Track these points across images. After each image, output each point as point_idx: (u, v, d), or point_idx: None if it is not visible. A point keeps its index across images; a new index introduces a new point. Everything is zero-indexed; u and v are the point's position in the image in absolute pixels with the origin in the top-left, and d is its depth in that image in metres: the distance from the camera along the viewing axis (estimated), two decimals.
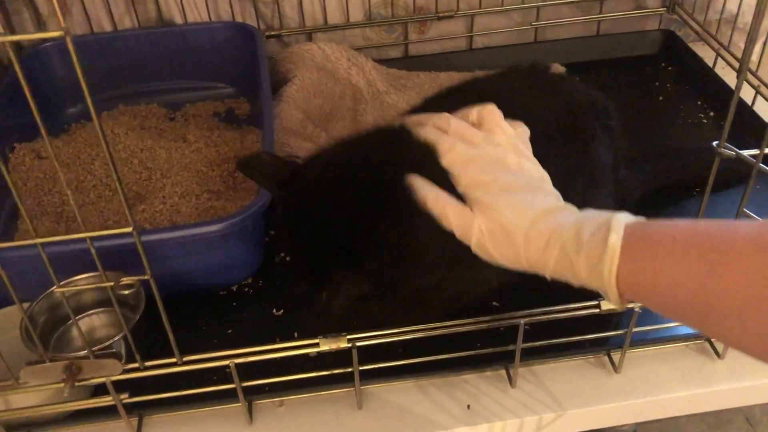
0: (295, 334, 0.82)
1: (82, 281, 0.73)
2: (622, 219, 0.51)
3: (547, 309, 0.72)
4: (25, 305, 0.73)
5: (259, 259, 0.91)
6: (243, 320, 0.86)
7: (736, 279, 0.42)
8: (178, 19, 1.22)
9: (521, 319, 0.72)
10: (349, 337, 0.70)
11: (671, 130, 1.13)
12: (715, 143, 0.63)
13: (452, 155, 0.62)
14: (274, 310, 0.86)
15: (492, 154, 0.61)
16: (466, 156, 0.61)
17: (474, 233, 0.59)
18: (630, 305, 0.72)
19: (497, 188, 0.59)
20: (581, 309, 0.72)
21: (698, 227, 0.47)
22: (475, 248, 0.60)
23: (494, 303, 0.86)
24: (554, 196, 0.60)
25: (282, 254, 0.94)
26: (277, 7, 1.22)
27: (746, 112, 1.06)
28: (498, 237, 0.57)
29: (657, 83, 1.24)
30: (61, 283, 0.66)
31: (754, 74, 0.91)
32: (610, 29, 1.32)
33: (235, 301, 0.88)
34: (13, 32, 1.14)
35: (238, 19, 1.24)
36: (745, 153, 0.64)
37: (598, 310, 0.72)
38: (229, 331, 0.84)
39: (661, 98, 1.21)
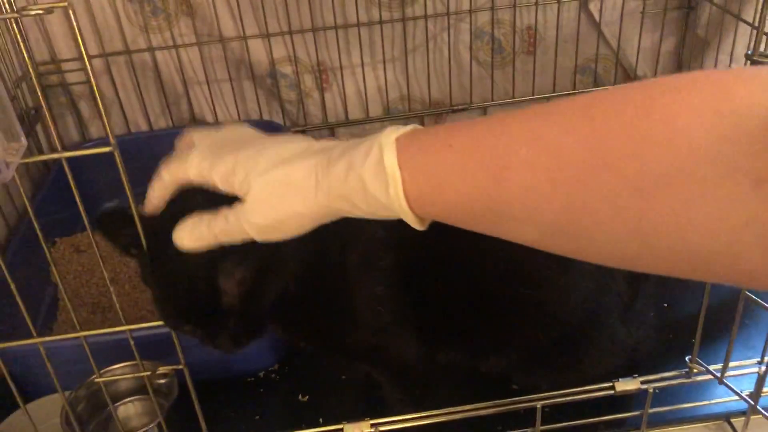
0: (320, 420, 0.85)
1: (119, 370, 0.77)
2: (391, 134, 0.46)
3: (563, 392, 0.74)
4: (66, 393, 0.77)
5: (284, 345, 0.94)
6: (270, 406, 0.89)
7: (523, 185, 0.40)
8: (210, 118, 1.30)
9: (538, 402, 0.74)
10: (372, 422, 0.72)
11: None
12: None
13: (199, 166, 0.55)
14: (300, 396, 0.89)
15: (235, 144, 0.55)
16: (212, 158, 0.54)
17: (237, 221, 0.53)
18: (644, 386, 0.75)
19: (256, 166, 0.51)
20: (596, 391, 0.75)
21: (474, 132, 0.43)
22: (248, 232, 0.53)
23: (514, 386, 0.88)
24: (317, 142, 0.53)
25: None
26: (301, 105, 1.30)
27: None
28: (263, 201, 0.51)
29: None
30: (101, 372, 0.70)
31: None
32: None
33: (261, 388, 0.91)
34: (58, 135, 1.23)
35: (266, 116, 1.31)
36: None
37: (612, 392, 0.74)
38: (257, 417, 0.87)
39: None
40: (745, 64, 0.60)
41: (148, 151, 1.28)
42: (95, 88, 0.52)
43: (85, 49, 0.50)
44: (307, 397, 0.89)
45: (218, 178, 0.53)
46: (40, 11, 0.45)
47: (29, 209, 0.63)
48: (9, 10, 0.45)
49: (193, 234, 0.56)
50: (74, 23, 0.48)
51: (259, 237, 0.53)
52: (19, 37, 0.49)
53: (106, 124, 0.53)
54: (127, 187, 0.58)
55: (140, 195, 1.24)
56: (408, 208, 0.45)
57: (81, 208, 0.59)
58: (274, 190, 0.50)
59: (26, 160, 0.51)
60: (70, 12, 0.47)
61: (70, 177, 0.57)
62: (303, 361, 0.94)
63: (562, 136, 0.39)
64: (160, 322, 0.64)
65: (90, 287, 1.06)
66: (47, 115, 0.59)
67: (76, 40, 1.18)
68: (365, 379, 0.90)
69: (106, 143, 1.33)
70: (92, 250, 1.11)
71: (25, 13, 0.44)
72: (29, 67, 0.53)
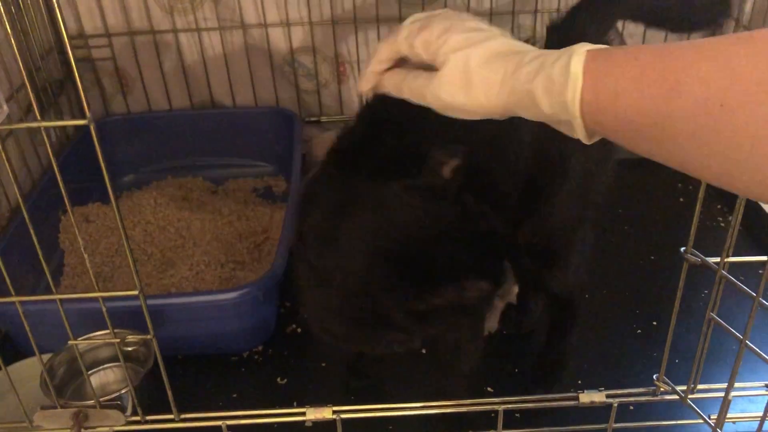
0: (294, 403, 0.87)
1: (98, 337, 0.80)
2: (584, 45, 0.49)
3: (525, 398, 0.75)
4: (49, 356, 0.80)
5: (270, 328, 0.96)
6: (248, 386, 0.91)
7: (694, 101, 0.41)
8: (227, 102, 1.33)
9: (500, 406, 0.74)
10: (334, 408, 0.74)
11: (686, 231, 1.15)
12: (682, 249, 0.67)
13: (409, 28, 0.59)
14: (279, 379, 0.91)
15: (447, 15, 0.59)
16: (423, 23, 0.58)
17: (426, 86, 0.57)
18: (609, 400, 0.74)
19: (453, 39, 0.55)
20: (560, 400, 0.75)
21: (661, 50, 0.45)
22: (431, 101, 0.57)
23: (489, 388, 0.89)
24: (516, 42, 0.56)
25: (293, 326, 0.99)
26: (318, 95, 1.32)
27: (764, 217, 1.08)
28: (452, 81, 0.55)
29: (680, 184, 1.27)
30: (79, 339, 0.73)
31: None
32: None
33: (243, 367, 0.94)
34: (80, 108, 1.27)
35: (282, 104, 1.34)
36: (710, 260, 0.67)
37: (575, 402, 0.74)
38: (234, 395, 0.89)
39: (681, 199, 1.23)
40: None
41: (168, 129, 1.32)
42: (74, 66, 0.54)
43: (67, 29, 0.52)
44: (285, 380, 0.91)
45: (421, 44, 0.57)
46: None
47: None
48: None
49: (390, 80, 0.61)
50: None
51: (440, 110, 0.57)
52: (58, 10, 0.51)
53: (83, 98, 0.55)
54: (102, 164, 0.60)
55: (159, 171, 1.30)
56: (579, 112, 0.48)
57: (60, 182, 0.61)
58: (464, 72, 0.54)
59: (4, 128, 0.53)
60: None
61: (48, 147, 0.59)
62: (287, 346, 0.97)
63: (747, 57, 0.39)
64: (133, 292, 0.66)
65: (94, 256, 1.10)
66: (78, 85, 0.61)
67: (103, 16, 1.22)
68: (345, 367, 0.92)
69: (128, 119, 1.37)
70: (100, 221, 1.15)
71: None
72: (64, 37, 0.53)
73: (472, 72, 0.54)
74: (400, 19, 1.23)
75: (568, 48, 0.50)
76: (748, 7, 1.17)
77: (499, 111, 0.54)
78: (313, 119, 1.34)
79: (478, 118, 0.56)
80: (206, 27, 1.25)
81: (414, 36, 0.57)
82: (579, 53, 0.48)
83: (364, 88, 0.63)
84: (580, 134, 0.50)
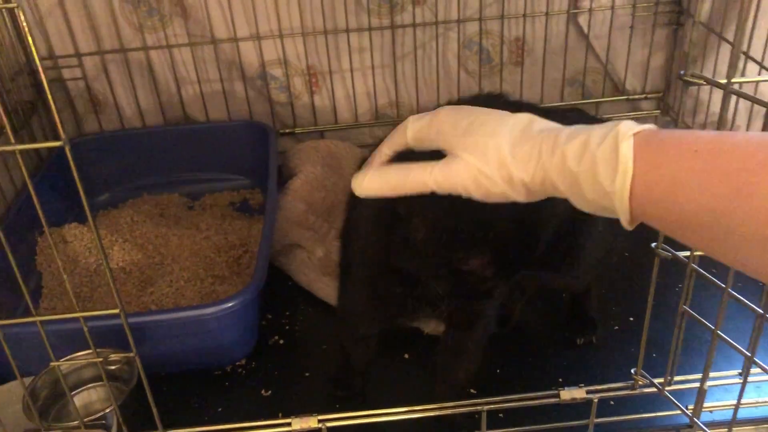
0: (280, 414, 0.87)
1: (82, 357, 0.80)
2: (630, 126, 0.45)
3: (506, 398, 0.76)
4: (30, 379, 0.80)
5: (252, 341, 0.97)
6: (234, 399, 0.91)
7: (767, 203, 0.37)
8: (201, 117, 1.33)
9: (483, 407, 0.75)
10: (319, 417, 0.74)
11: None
12: (653, 244, 0.68)
13: (415, 124, 0.56)
14: (263, 391, 0.92)
15: (450, 109, 0.56)
16: (430, 117, 0.56)
17: (446, 170, 0.53)
18: (589, 396, 0.76)
19: (467, 125, 0.52)
20: (541, 398, 0.76)
21: (721, 141, 0.41)
22: (452, 185, 0.53)
23: (471, 390, 0.90)
24: (537, 119, 0.52)
25: (276, 337, 1.00)
26: (291, 107, 1.33)
27: None
28: (484, 159, 0.50)
29: None
30: (61, 360, 0.73)
31: None
32: None
33: (227, 381, 0.94)
34: (53, 129, 1.26)
35: (256, 117, 1.34)
36: (681, 254, 0.68)
37: (557, 399, 0.75)
38: (220, 409, 0.89)
39: None
40: (682, 84, 0.61)
41: (141, 147, 1.32)
42: (46, 88, 0.54)
43: (37, 51, 0.52)
44: (270, 392, 0.92)
45: (434, 132, 0.54)
46: None
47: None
48: None
49: (375, 178, 0.56)
50: (23, 23, 0.50)
51: (465, 193, 0.52)
52: (27, 30, 0.51)
53: (57, 119, 0.55)
54: (78, 185, 0.60)
55: (134, 189, 1.29)
56: (627, 203, 0.44)
57: (36, 201, 0.61)
58: (495, 150, 0.50)
59: None
60: (20, 12, 0.50)
61: (24, 171, 0.60)
62: (270, 358, 0.97)
63: None
64: (114, 311, 0.66)
65: (73, 277, 1.09)
66: (52, 106, 0.62)
67: (72, 37, 1.22)
68: (329, 378, 0.93)
69: (101, 138, 1.36)
70: (77, 242, 1.14)
71: None
72: (35, 59, 0.54)
73: (503, 150, 0.49)
74: (370, 30, 1.25)
75: (611, 125, 0.45)
76: (706, 6, 1.20)
77: (535, 189, 0.50)
78: (287, 131, 1.35)
79: (502, 199, 0.52)
80: (177, 43, 1.26)
81: (426, 128, 0.55)
82: (627, 136, 0.44)
83: (368, 191, 0.58)
84: (623, 221, 0.46)
